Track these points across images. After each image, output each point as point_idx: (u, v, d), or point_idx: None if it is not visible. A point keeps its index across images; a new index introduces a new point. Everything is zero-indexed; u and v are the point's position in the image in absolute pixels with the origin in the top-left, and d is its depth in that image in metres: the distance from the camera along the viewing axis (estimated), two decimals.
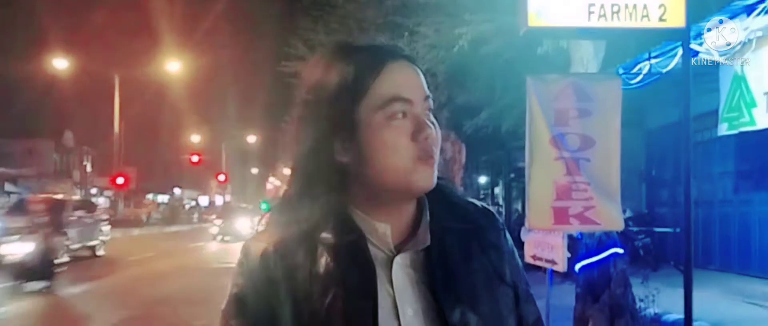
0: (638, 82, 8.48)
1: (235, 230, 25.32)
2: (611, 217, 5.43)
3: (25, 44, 37.24)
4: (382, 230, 1.11)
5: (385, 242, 1.11)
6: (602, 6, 5.37)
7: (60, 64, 31.93)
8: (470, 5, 9.02)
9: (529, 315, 1.21)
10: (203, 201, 71.20)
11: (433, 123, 1.11)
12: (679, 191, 12.95)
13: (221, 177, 57.71)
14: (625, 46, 7.81)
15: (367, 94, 1.07)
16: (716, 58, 6.98)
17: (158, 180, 60.92)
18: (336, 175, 1.10)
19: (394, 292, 1.08)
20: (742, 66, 7.74)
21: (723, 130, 8.66)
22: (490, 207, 1.26)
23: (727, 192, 11.53)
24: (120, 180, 37.03)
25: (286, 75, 12.61)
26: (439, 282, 1.09)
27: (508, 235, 1.24)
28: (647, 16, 5.43)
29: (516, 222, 15.51)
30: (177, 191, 69.33)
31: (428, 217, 1.14)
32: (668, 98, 9.83)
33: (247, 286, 1.11)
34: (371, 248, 1.10)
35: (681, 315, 5.24)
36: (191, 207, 64.50)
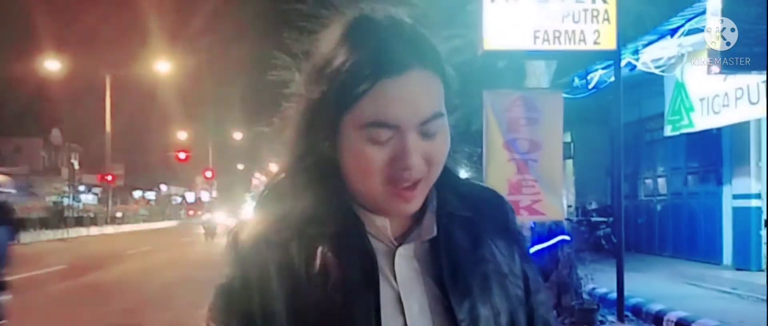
0: (592, 89, 9.53)
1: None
2: (554, 209, 6.47)
3: (12, 44, 37.80)
4: (380, 223, 1.01)
5: (384, 234, 1.01)
6: (545, 31, 6.38)
7: (50, 64, 32.59)
8: (444, 21, 10.00)
9: (540, 307, 1.11)
10: (190, 197, 71.92)
11: (438, 137, 0.97)
12: (638, 184, 14.11)
13: (208, 174, 58.46)
14: (578, 59, 8.83)
15: (350, 108, 0.94)
16: (652, 69, 8.07)
17: (145, 177, 61.57)
18: (327, 164, 1.00)
19: (398, 286, 0.99)
20: (682, 74, 8.87)
21: (668, 131, 9.85)
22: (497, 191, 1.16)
23: (678, 186, 12.65)
24: (109, 178, 38.02)
25: (274, 83, 13.47)
26: (447, 274, 1.00)
27: (515, 220, 1.14)
28: (584, 40, 6.44)
29: None
30: (163, 188, 70.01)
31: (435, 206, 1.04)
32: (628, 98, 10.86)
33: (237, 277, 1.00)
34: (371, 239, 1.00)
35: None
36: (178, 204, 65.25)
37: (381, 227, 1.01)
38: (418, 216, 1.02)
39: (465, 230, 1.05)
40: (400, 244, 1.01)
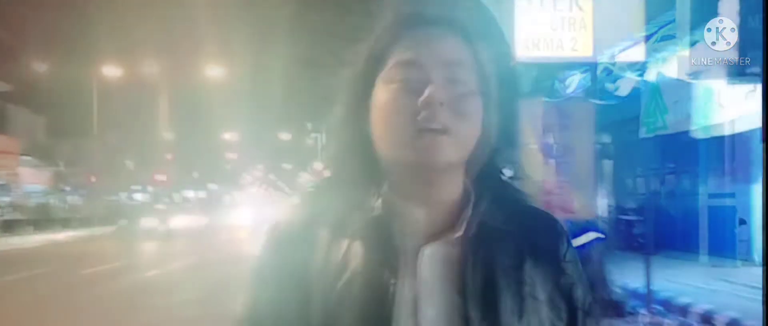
0: (572, 92, 10.07)
1: None
2: (586, 208, 6.64)
3: (72, 47, 39.60)
4: (413, 216, 0.97)
5: (415, 230, 0.96)
6: (525, 39, 7.12)
7: (107, 70, 34.43)
8: None
9: None
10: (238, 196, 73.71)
11: (466, 102, 0.94)
12: (638, 183, 14.37)
13: (257, 173, 59.81)
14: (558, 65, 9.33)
15: (382, 60, 0.97)
16: (628, 75, 8.69)
17: (196, 177, 63.40)
18: (368, 150, 0.98)
19: (417, 287, 0.94)
20: (656, 78, 9.46)
21: (642, 133, 10.19)
22: (553, 214, 1.07)
23: (669, 186, 12.96)
24: (161, 178, 40.13)
25: (319, 85, 14.22)
26: (471, 284, 0.94)
27: (573, 248, 1.04)
28: (561, 47, 7.15)
29: None
30: (213, 187, 71.94)
31: (470, 211, 0.97)
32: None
33: (265, 265, 1.02)
34: (401, 236, 0.95)
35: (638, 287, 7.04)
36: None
37: (413, 221, 0.97)
38: (454, 220, 0.98)
39: (503, 244, 0.98)
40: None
